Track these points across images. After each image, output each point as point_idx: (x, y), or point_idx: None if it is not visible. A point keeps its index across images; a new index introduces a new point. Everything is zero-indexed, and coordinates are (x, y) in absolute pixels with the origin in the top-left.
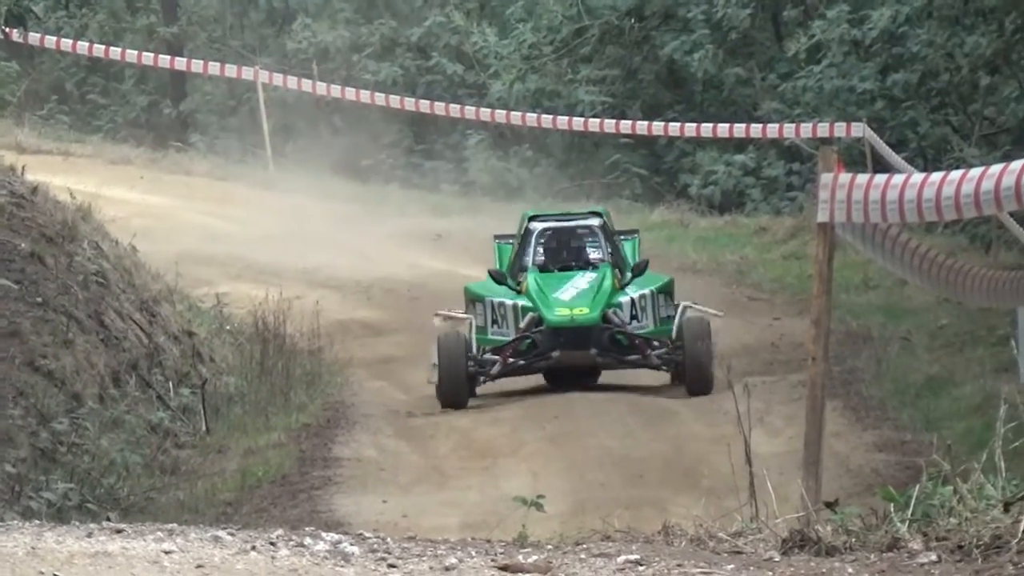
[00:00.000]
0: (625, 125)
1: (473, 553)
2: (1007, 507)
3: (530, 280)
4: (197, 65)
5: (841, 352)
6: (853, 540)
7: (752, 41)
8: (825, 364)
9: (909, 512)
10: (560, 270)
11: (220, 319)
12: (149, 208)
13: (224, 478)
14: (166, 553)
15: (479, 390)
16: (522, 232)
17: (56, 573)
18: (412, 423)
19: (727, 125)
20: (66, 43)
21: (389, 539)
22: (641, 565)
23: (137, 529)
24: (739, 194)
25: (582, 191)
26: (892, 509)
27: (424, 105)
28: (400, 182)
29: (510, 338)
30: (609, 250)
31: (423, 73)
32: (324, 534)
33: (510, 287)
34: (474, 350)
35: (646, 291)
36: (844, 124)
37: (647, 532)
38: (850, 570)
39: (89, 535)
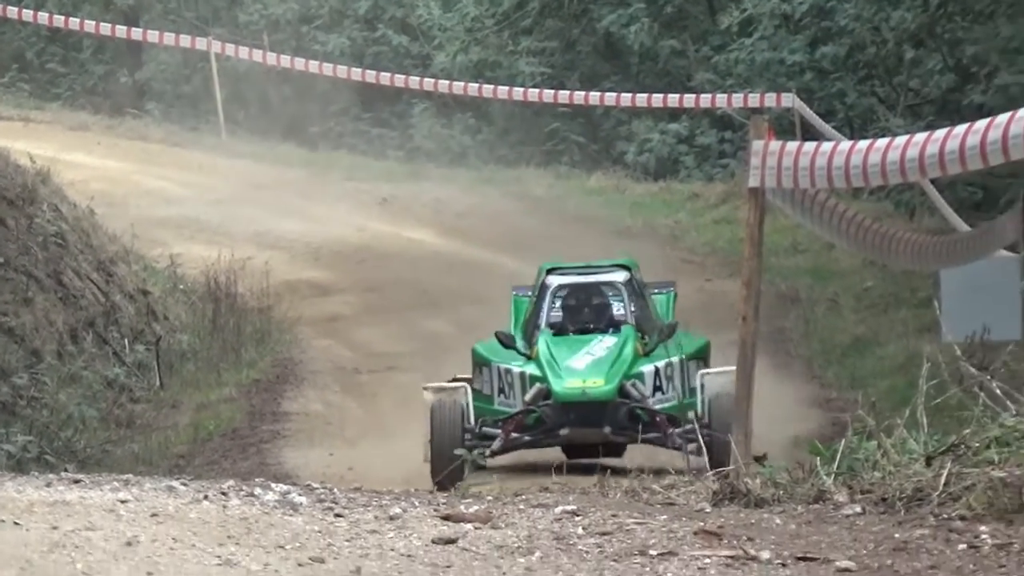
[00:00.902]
0: (564, 95)
1: (416, 504)
2: (929, 461)
3: (541, 345)
4: (153, 35)
5: (770, 313)
6: (781, 492)
7: (686, 14)
8: (755, 324)
9: (835, 466)
10: (578, 332)
11: (174, 279)
12: (106, 172)
13: (177, 431)
14: (122, 502)
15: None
16: (538, 287)
17: (17, 521)
18: (358, 379)
19: (662, 95)
20: (27, 13)
21: (336, 490)
22: (578, 515)
23: (94, 480)
24: (673, 161)
25: (522, 158)
26: (818, 463)
27: (371, 75)
28: (348, 148)
29: (516, 410)
30: (634, 309)
31: (370, 44)
32: (273, 485)
33: (519, 352)
34: (472, 421)
35: (674, 359)
36: (774, 94)
37: (583, 484)
38: (778, 521)
39: (48, 485)
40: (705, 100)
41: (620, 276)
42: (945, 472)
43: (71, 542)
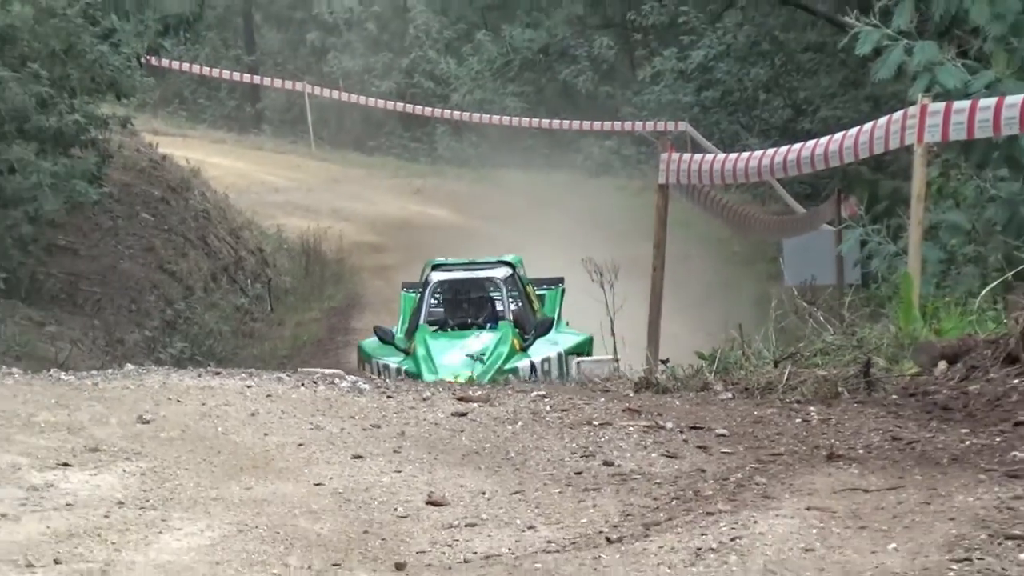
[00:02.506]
0: (536, 122)
1: (441, 390)
2: (776, 364)
3: (418, 340)
4: (267, 81)
5: (670, 266)
6: (679, 384)
7: (616, 70)
8: (662, 272)
9: (714, 366)
10: (457, 327)
11: (280, 240)
12: (236, 171)
13: (282, 341)
14: (247, 387)
15: None
16: (423, 282)
17: (179, 399)
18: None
19: (600, 122)
20: (185, 66)
21: (387, 380)
22: (546, 398)
23: (228, 372)
24: (607, 166)
25: (509, 163)
26: (703, 364)
27: (409, 108)
28: (394, 155)
29: None
30: (514, 306)
31: (409, 87)
32: (346, 376)
33: (398, 348)
34: None
35: (551, 353)
36: (674, 123)
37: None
38: (677, 403)
39: (199, 375)
40: (628, 126)
41: (501, 272)
42: (787, 371)
43: (214, 413)
